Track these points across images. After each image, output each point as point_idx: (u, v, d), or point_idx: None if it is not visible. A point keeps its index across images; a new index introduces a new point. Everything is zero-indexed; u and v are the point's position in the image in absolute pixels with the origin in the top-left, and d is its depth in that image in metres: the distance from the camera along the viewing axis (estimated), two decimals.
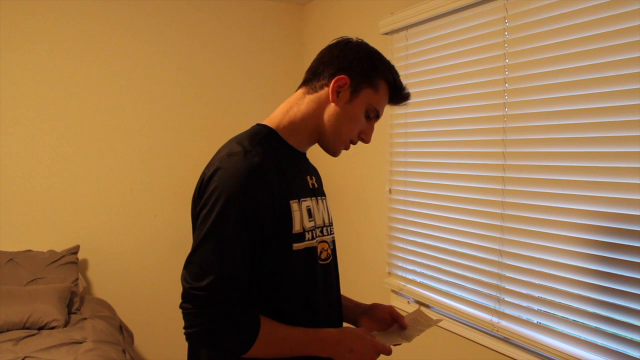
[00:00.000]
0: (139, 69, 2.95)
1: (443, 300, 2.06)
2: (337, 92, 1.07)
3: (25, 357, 1.93)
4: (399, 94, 1.12)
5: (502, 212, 1.77)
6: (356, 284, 2.78)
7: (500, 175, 1.78)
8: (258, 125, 1.13)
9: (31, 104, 2.71)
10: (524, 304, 1.69)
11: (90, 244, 2.84)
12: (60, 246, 2.71)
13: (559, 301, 1.57)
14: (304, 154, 1.19)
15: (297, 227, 1.04)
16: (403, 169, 2.32)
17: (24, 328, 2.19)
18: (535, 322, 1.67)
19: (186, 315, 0.95)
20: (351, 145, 1.15)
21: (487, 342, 1.85)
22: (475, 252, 1.89)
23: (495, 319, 1.81)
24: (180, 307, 0.96)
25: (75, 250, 2.69)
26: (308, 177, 1.16)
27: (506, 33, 1.74)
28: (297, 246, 1.04)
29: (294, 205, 1.05)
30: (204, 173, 1.03)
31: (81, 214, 2.84)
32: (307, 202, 1.10)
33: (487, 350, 1.86)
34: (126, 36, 2.90)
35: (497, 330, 1.77)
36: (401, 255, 2.34)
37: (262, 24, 3.28)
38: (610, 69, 1.41)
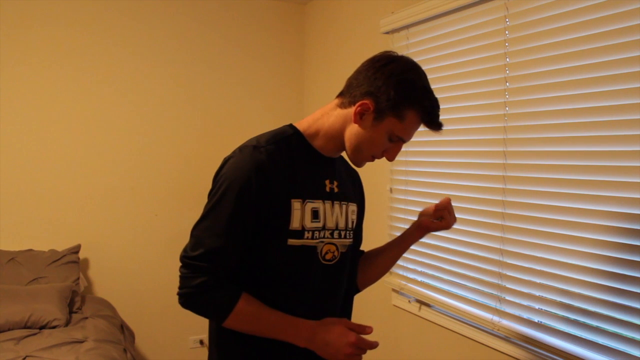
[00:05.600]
0: (140, 69, 2.95)
1: (444, 299, 2.06)
2: (360, 114, 1.08)
3: (27, 356, 1.93)
4: (429, 125, 1.12)
5: (503, 211, 1.77)
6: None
7: (501, 174, 1.78)
8: (288, 125, 1.20)
9: (32, 104, 2.71)
10: (525, 302, 1.69)
11: (91, 244, 2.84)
12: (62, 245, 2.71)
13: (560, 300, 1.57)
14: (332, 159, 1.22)
15: (295, 225, 1.10)
16: (404, 168, 2.32)
17: (25, 327, 2.20)
18: (536, 321, 1.67)
19: (180, 278, 1.08)
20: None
21: (488, 341, 1.85)
22: (476, 251, 1.89)
23: (496, 318, 1.81)
24: (179, 270, 1.08)
25: (76, 250, 2.69)
26: (327, 181, 1.19)
27: (507, 32, 1.74)
28: (292, 242, 1.11)
29: (296, 204, 1.10)
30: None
31: (82, 213, 2.84)
32: (315, 204, 1.14)
33: (488, 349, 1.86)
34: (128, 35, 2.91)
35: (498, 329, 1.77)
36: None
37: (262, 24, 3.28)
38: (612, 68, 1.40)
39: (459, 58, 1.96)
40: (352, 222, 1.26)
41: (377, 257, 1.39)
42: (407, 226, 2.24)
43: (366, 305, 2.70)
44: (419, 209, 2.21)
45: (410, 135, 1.13)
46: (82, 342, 2.10)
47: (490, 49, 1.82)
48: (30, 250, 2.62)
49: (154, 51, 2.98)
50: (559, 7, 1.55)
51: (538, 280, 1.64)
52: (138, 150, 2.96)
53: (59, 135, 2.78)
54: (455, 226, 1.97)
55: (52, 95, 2.75)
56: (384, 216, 2.48)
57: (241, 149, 1.11)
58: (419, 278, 2.25)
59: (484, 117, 1.85)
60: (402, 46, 2.28)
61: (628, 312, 1.38)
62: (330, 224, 1.18)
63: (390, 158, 1.16)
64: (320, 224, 1.15)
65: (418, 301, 2.25)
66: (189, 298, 1.07)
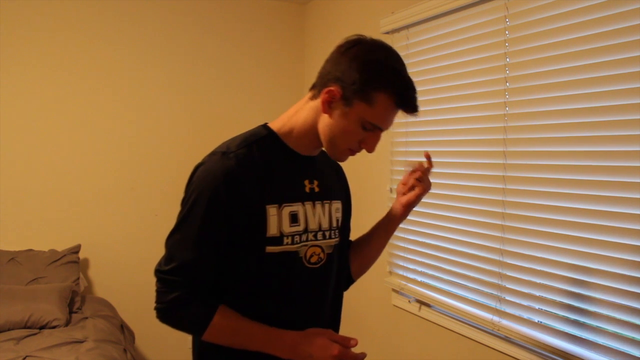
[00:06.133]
0: (140, 69, 2.95)
1: (444, 300, 2.06)
2: (328, 103, 1.02)
3: (27, 356, 1.93)
4: (402, 108, 1.02)
5: (503, 211, 1.77)
6: (357, 283, 2.78)
7: (501, 174, 1.77)
8: (261, 126, 1.14)
9: (33, 105, 2.71)
10: (525, 303, 1.69)
11: (91, 244, 2.84)
12: (62, 245, 2.71)
13: (560, 300, 1.57)
14: (312, 157, 1.16)
15: (272, 231, 1.06)
16: (404, 168, 2.32)
17: (25, 327, 2.20)
18: (536, 321, 1.67)
19: (156, 293, 1.05)
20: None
21: (488, 341, 1.85)
22: (476, 251, 1.89)
23: (496, 318, 1.81)
24: (155, 284, 1.06)
25: (76, 250, 2.69)
26: (307, 181, 1.14)
27: (507, 32, 1.74)
28: (271, 249, 1.06)
29: (272, 209, 1.05)
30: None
31: (82, 213, 2.84)
32: (294, 207, 1.09)
33: (488, 349, 1.86)
34: (128, 36, 2.91)
35: (498, 329, 1.77)
36: (402, 254, 2.34)
37: (262, 24, 3.28)
38: (612, 68, 1.40)
39: (459, 58, 1.96)
40: (338, 221, 1.21)
41: (366, 247, 1.35)
42: (406, 226, 2.27)
43: (366, 305, 2.70)
44: (420, 209, 2.22)
45: (385, 122, 1.03)
46: (82, 342, 2.10)
47: (490, 49, 1.82)
48: (30, 250, 2.62)
49: (154, 52, 2.98)
50: (559, 7, 1.55)
51: (538, 281, 1.64)
52: (138, 151, 2.96)
53: (59, 136, 2.78)
54: (455, 226, 2.00)
55: (52, 96, 2.75)
56: None
57: (210, 155, 1.06)
58: (419, 278, 2.25)
59: (484, 117, 1.85)
60: (402, 46, 2.28)
61: (628, 312, 1.38)
62: (313, 225, 1.13)
63: (369, 149, 1.07)
64: (300, 228, 1.10)
65: (418, 301, 2.25)
66: (165, 313, 1.04)
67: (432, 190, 2.13)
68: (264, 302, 1.09)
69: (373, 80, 0.98)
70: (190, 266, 1.03)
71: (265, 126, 1.13)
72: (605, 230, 1.43)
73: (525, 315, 1.70)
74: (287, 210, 1.08)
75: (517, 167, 1.71)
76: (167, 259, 1.04)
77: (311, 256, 1.13)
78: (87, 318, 2.36)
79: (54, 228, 2.77)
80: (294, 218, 1.09)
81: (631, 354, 1.37)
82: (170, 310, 1.04)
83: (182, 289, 1.03)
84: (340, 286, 1.28)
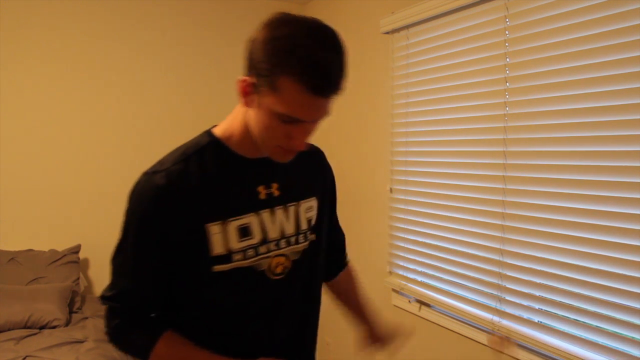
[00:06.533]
0: (140, 69, 2.95)
1: (444, 300, 2.06)
2: (244, 95, 0.91)
3: (27, 356, 1.93)
4: (313, 91, 0.81)
5: (503, 211, 1.77)
6: None
7: (501, 174, 1.78)
8: (206, 132, 1.03)
9: (33, 105, 2.71)
10: (525, 303, 1.69)
11: (91, 243, 2.84)
12: (62, 245, 2.71)
13: (560, 300, 1.57)
14: (264, 159, 1.01)
15: (218, 250, 0.96)
16: (404, 168, 2.32)
17: (25, 327, 2.20)
18: (536, 321, 1.67)
19: (104, 317, 1.02)
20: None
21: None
22: (476, 251, 1.89)
23: (496, 318, 1.81)
24: None
25: (76, 250, 2.69)
26: (261, 187, 1.02)
27: (507, 32, 1.74)
28: (219, 268, 0.97)
29: (214, 227, 0.95)
30: None
31: (82, 213, 2.84)
32: (244, 220, 0.99)
33: (488, 349, 1.86)
34: (128, 36, 2.91)
35: (499, 329, 1.77)
36: (402, 254, 2.34)
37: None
38: (612, 68, 1.41)
39: (459, 58, 1.96)
40: (310, 221, 1.11)
41: (343, 303, 1.36)
42: (407, 226, 2.27)
43: None
44: (419, 209, 2.23)
45: (300, 111, 0.84)
46: (82, 342, 2.10)
47: (490, 49, 1.82)
48: (31, 250, 2.62)
49: (154, 52, 2.98)
50: (559, 7, 1.55)
51: (538, 280, 1.64)
52: (138, 150, 2.96)
53: (59, 135, 2.78)
54: (456, 226, 2.00)
55: (52, 96, 2.75)
56: (384, 216, 2.48)
57: (142, 175, 0.98)
58: (419, 278, 2.25)
59: (484, 117, 1.85)
60: (402, 46, 2.28)
61: (628, 312, 1.38)
62: (274, 234, 1.03)
63: (296, 145, 0.90)
64: (254, 240, 1.00)
65: (418, 301, 2.25)
66: (112, 338, 1.01)
67: (432, 191, 2.14)
68: (219, 322, 1.03)
69: (275, 64, 0.81)
70: (130, 293, 0.98)
71: (209, 132, 1.02)
72: (605, 230, 1.43)
73: (525, 315, 1.70)
74: (234, 224, 0.97)
75: (517, 167, 1.71)
76: (110, 284, 1.01)
77: (276, 267, 1.05)
78: (87, 318, 2.36)
79: (54, 228, 2.77)
80: (244, 231, 0.99)
81: (631, 354, 1.37)
82: (115, 336, 1.01)
83: (123, 315, 0.99)
84: (312, 290, 1.18)
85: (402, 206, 2.33)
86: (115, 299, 0.99)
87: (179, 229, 0.94)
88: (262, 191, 1.03)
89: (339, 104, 2.89)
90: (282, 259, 1.06)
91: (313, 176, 1.17)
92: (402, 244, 2.34)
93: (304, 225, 1.10)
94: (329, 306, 2.90)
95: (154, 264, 0.97)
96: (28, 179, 2.71)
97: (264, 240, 1.02)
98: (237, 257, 0.98)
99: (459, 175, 1.98)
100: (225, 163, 0.99)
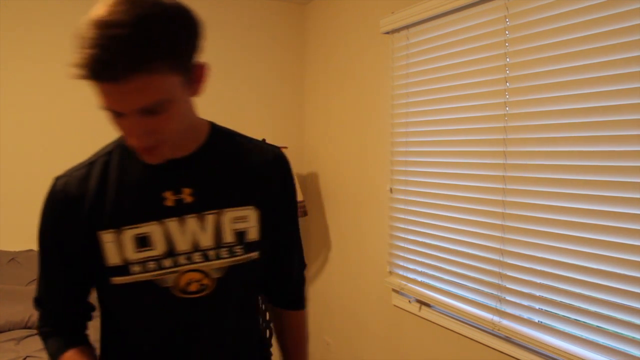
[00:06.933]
0: None
1: (444, 300, 2.06)
2: None
3: (27, 356, 1.93)
4: (89, 78, 0.73)
5: (503, 211, 1.77)
6: (358, 283, 2.78)
7: (502, 174, 1.78)
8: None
9: (33, 104, 2.71)
10: (526, 303, 1.69)
11: None
12: None
13: (560, 300, 1.57)
14: (174, 161, 0.92)
15: (113, 260, 0.90)
16: (404, 168, 2.32)
17: (25, 327, 2.20)
18: (536, 321, 1.67)
19: None
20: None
21: (489, 341, 1.85)
22: (476, 251, 1.89)
23: (496, 318, 1.81)
24: None
25: None
26: (168, 193, 0.91)
27: (507, 32, 1.74)
28: (118, 280, 0.90)
29: (106, 236, 0.89)
30: None
31: None
32: (142, 229, 0.90)
33: (488, 349, 1.86)
34: None
35: (499, 329, 1.77)
36: (402, 254, 2.34)
37: (263, 23, 3.29)
38: (613, 68, 1.41)
39: (459, 58, 1.96)
40: (240, 234, 0.96)
41: (280, 347, 1.21)
42: (407, 226, 2.27)
43: (366, 306, 2.70)
44: (420, 209, 2.23)
45: (103, 100, 0.76)
46: None
47: (490, 49, 1.82)
48: (31, 250, 2.62)
49: None
50: (559, 7, 1.55)
51: (538, 280, 1.64)
52: None
53: (60, 135, 2.78)
54: (456, 226, 2.00)
55: (52, 95, 2.75)
56: (385, 216, 2.48)
57: (53, 178, 0.96)
58: (419, 278, 2.25)
59: (484, 117, 1.85)
60: (402, 46, 2.28)
61: (629, 312, 1.38)
62: (184, 246, 0.91)
63: (133, 143, 0.80)
64: (157, 252, 0.90)
65: (418, 301, 2.25)
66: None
67: (432, 191, 2.15)
68: (133, 338, 0.96)
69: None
70: (44, 300, 0.98)
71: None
72: (606, 230, 1.43)
73: (526, 315, 1.70)
74: (130, 233, 0.89)
75: (517, 167, 1.71)
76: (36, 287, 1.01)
77: (188, 284, 0.92)
78: None
79: None
80: (142, 241, 0.90)
81: (632, 354, 1.37)
82: (41, 339, 1.00)
83: (42, 321, 0.99)
84: (249, 311, 1.05)
85: (402, 206, 2.34)
86: (36, 304, 1.00)
87: (74, 237, 0.91)
88: (168, 197, 0.91)
89: (339, 104, 2.90)
90: (196, 275, 0.92)
91: (249, 181, 0.98)
92: (402, 244, 2.34)
93: (228, 238, 0.94)
94: (329, 306, 2.90)
95: (58, 271, 0.95)
96: (28, 179, 2.71)
97: (170, 253, 0.91)
98: (135, 269, 0.90)
99: (459, 175, 1.98)
100: (126, 167, 0.92)
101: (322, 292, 3.19)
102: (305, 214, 2.79)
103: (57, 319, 0.99)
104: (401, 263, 2.36)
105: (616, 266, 1.41)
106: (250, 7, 3.24)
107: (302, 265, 1.17)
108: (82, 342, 0.99)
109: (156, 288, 0.91)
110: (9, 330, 2.17)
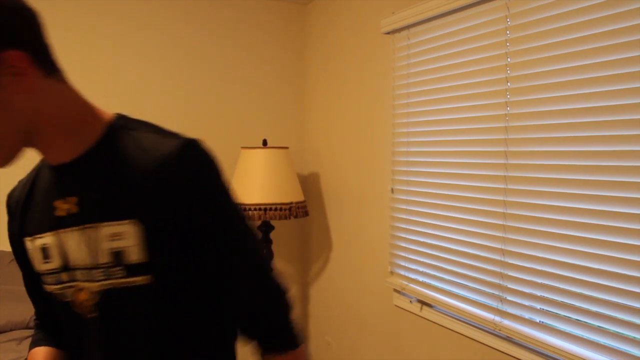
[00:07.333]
0: (139, 69, 2.96)
1: (445, 300, 2.06)
2: None
3: None
4: None
5: (505, 211, 1.77)
6: (358, 283, 2.78)
7: (503, 174, 1.78)
8: None
9: None
10: (527, 303, 1.69)
11: None
12: None
13: (561, 300, 1.57)
14: (64, 166, 0.81)
15: (36, 267, 0.88)
16: (405, 169, 2.32)
17: (26, 328, 2.20)
18: (538, 321, 1.67)
19: None
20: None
21: (490, 341, 1.85)
22: (477, 251, 1.89)
23: (497, 318, 1.81)
24: None
25: None
26: (58, 202, 0.81)
27: (508, 32, 1.74)
28: (45, 287, 0.89)
29: (28, 243, 0.87)
30: None
31: None
32: (44, 239, 0.83)
33: (489, 350, 1.86)
34: (128, 36, 2.91)
35: (500, 330, 1.77)
36: (403, 254, 2.34)
37: (263, 24, 3.29)
38: (614, 68, 1.40)
39: (460, 58, 1.97)
40: (117, 254, 0.78)
41: None
42: (408, 226, 2.27)
43: (367, 306, 2.70)
44: (421, 209, 2.23)
45: None
46: None
47: (491, 49, 1.82)
48: None
49: (154, 52, 2.99)
50: (560, 7, 1.55)
51: (540, 281, 1.64)
52: None
53: None
54: (457, 226, 2.00)
55: None
56: (386, 216, 2.48)
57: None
58: (421, 278, 2.25)
59: (485, 117, 1.85)
60: (403, 46, 2.28)
61: (631, 312, 1.38)
62: (77, 260, 0.81)
63: None
64: (54, 264, 0.83)
65: (419, 301, 2.25)
66: None
67: (433, 191, 2.14)
68: (69, 348, 0.95)
69: None
70: (30, 297, 1.02)
71: None
72: (607, 230, 1.43)
73: (527, 315, 1.70)
74: (38, 243, 0.84)
75: (518, 167, 1.71)
76: None
77: (81, 303, 0.83)
78: None
79: None
80: (45, 253, 0.84)
81: (633, 354, 1.37)
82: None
83: (36, 320, 1.05)
84: (173, 346, 0.85)
85: (403, 206, 2.34)
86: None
87: (16, 243, 0.93)
88: (58, 206, 0.81)
89: (340, 104, 2.90)
90: (83, 294, 0.82)
91: (130, 189, 0.77)
92: (403, 244, 2.34)
93: (102, 258, 0.79)
94: (330, 306, 2.91)
95: (24, 274, 0.99)
96: None
97: (64, 267, 0.83)
98: (47, 279, 0.86)
99: (460, 175, 1.98)
100: (43, 173, 0.88)
101: (324, 292, 3.19)
102: (306, 214, 2.79)
103: (38, 316, 1.04)
104: (402, 263, 2.36)
105: (618, 266, 1.41)
106: (250, 8, 3.24)
107: (275, 293, 0.89)
108: (57, 343, 0.99)
109: (61, 302, 0.86)
110: (11, 330, 2.17)
